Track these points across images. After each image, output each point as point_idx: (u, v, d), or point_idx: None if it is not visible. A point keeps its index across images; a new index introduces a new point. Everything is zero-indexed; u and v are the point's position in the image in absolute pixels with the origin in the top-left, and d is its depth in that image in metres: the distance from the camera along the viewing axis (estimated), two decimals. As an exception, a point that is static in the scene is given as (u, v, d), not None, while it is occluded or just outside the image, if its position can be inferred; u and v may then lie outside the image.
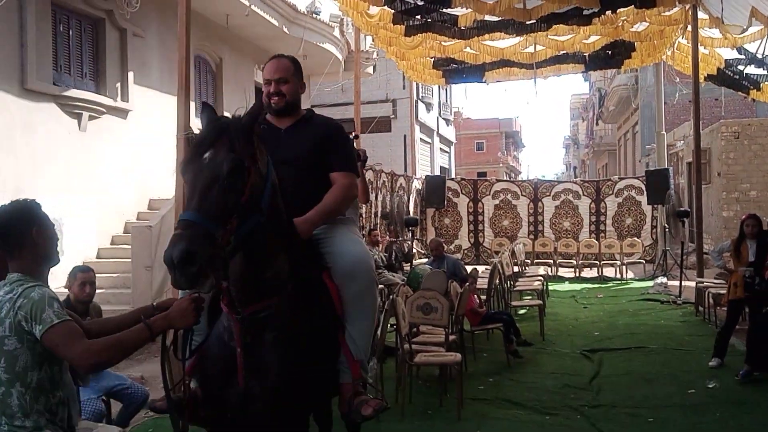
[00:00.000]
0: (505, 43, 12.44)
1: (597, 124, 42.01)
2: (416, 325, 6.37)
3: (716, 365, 6.59)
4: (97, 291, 4.95)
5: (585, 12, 9.97)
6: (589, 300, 11.41)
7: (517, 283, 10.58)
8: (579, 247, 15.22)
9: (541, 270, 12.50)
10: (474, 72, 14.24)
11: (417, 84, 19.89)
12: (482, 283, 8.63)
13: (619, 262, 14.55)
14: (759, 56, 11.50)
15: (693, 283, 10.22)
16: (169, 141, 7.66)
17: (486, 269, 10.50)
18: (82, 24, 9.47)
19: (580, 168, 61.87)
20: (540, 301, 9.04)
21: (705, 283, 9.45)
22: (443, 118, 29.33)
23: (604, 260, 14.78)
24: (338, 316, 2.77)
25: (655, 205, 14.56)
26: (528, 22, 10.25)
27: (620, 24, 11.25)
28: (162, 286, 7.81)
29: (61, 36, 9.07)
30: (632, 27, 11.50)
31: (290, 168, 2.77)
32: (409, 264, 10.93)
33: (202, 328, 2.66)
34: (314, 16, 13.85)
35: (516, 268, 11.85)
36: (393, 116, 23.81)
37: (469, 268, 9.07)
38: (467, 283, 7.36)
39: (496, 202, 16.38)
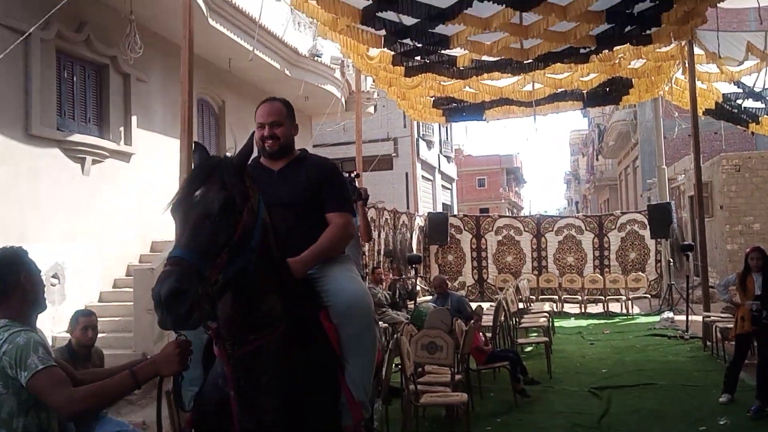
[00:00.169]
0: (503, 81, 12.59)
1: (597, 159, 42.25)
2: (421, 364, 6.29)
3: (727, 401, 6.49)
4: (99, 335, 4.92)
5: (582, 51, 10.11)
6: (596, 336, 11.30)
7: (522, 320, 10.50)
8: (584, 283, 15.15)
9: (547, 306, 12.42)
10: (474, 110, 14.38)
11: (418, 122, 20.07)
12: (487, 320, 8.57)
13: (624, 297, 14.46)
14: (756, 90, 11.63)
15: (700, 318, 10.14)
16: (171, 183, 7.70)
17: (490, 306, 10.43)
18: (86, 70, 9.61)
19: (582, 203, 61.98)
20: (546, 338, 8.96)
21: (712, 318, 9.36)
22: (444, 156, 29.52)
23: (609, 295, 14.70)
24: (337, 356, 2.72)
25: (659, 239, 14.52)
26: (525, 62, 10.40)
27: (617, 61, 11.39)
28: (164, 330, 7.75)
29: (65, 82, 9.20)
30: (629, 64, 11.64)
31: (285, 209, 2.76)
32: (413, 302, 10.87)
33: (198, 377, 2.63)
34: (315, 58, 14.07)
35: (521, 305, 11.76)
36: (394, 154, 23.96)
37: (473, 305, 9.01)
38: (472, 321, 7.31)
39: (499, 238, 16.36)
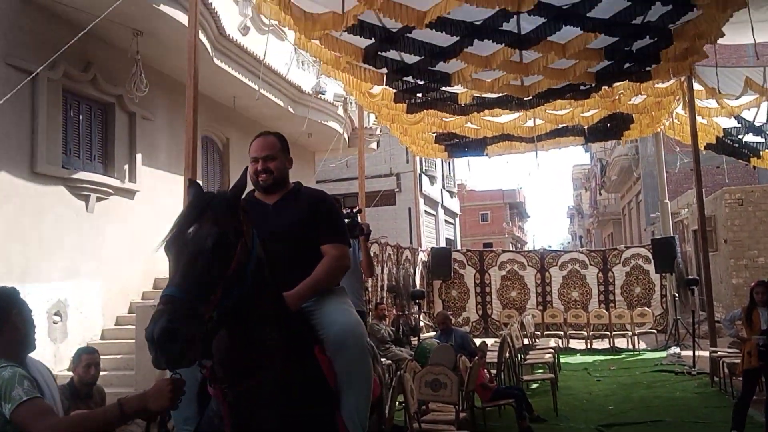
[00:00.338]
0: (505, 117, 12.69)
1: (600, 193, 42.29)
2: (425, 402, 6.22)
3: (736, 438, 6.39)
4: (101, 373, 4.89)
5: (582, 87, 10.22)
6: (602, 372, 11.18)
7: (527, 356, 10.40)
8: (589, 318, 15.02)
9: (552, 342, 12.30)
10: (476, 146, 14.46)
11: (420, 158, 20.20)
12: (492, 356, 8.48)
13: (630, 333, 14.32)
14: (757, 124, 11.70)
15: (707, 353, 10.03)
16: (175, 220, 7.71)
17: (495, 342, 10.34)
18: (92, 109, 9.73)
19: (585, 237, 61.85)
20: (552, 375, 8.86)
21: (719, 353, 9.26)
22: (447, 191, 29.61)
23: (615, 330, 14.57)
24: (333, 391, 2.68)
25: (664, 274, 14.45)
26: (526, 98, 10.50)
27: (617, 97, 11.49)
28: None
29: (71, 121, 9.30)
30: (629, 100, 11.74)
31: (280, 242, 2.76)
32: (416, 338, 10.79)
33: (193, 416, 2.60)
34: (319, 96, 14.24)
35: (526, 341, 11.67)
36: (397, 189, 24.06)
37: (477, 341, 8.94)
38: (476, 357, 7.24)
39: (503, 272, 16.31)
